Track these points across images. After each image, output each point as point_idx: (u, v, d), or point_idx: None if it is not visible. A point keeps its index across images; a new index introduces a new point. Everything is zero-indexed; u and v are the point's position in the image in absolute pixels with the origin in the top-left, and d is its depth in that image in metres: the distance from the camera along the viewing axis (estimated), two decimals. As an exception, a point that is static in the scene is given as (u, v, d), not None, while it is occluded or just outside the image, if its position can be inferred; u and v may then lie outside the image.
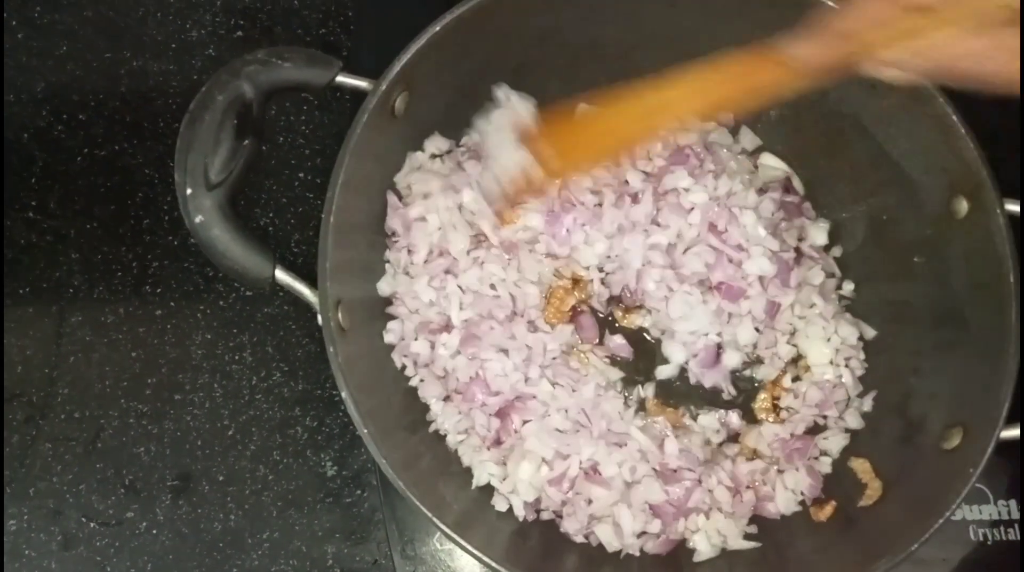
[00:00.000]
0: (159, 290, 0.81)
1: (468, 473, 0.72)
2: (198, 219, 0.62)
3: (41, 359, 0.79)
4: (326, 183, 0.83)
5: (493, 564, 0.61)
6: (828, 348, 0.76)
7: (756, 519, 0.73)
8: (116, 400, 0.79)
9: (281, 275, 0.63)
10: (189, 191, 0.62)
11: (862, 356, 0.77)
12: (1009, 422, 0.62)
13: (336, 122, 0.85)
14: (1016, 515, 0.74)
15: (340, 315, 0.63)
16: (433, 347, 0.72)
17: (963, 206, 0.68)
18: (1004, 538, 0.74)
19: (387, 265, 0.75)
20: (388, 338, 0.73)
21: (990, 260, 0.66)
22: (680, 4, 0.72)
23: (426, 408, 0.73)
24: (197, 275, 0.82)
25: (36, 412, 0.78)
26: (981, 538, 0.74)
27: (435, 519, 0.60)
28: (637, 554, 0.70)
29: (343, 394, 0.61)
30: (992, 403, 0.63)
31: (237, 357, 0.80)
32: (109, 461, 0.77)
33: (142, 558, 0.75)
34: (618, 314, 0.78)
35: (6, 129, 0.85)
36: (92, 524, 0.76)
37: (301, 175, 0.84)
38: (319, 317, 0.62)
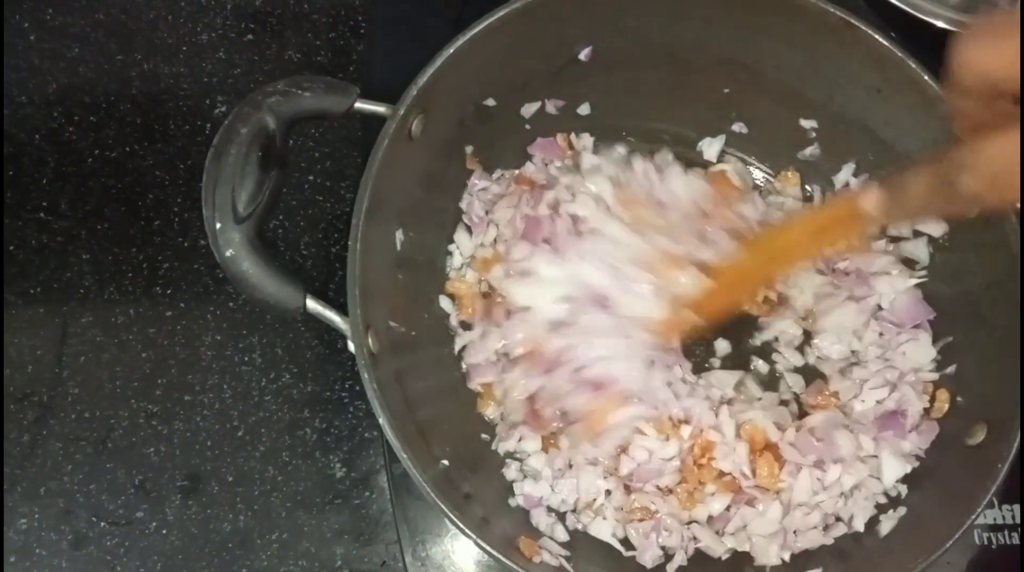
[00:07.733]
0: (169, 291, 0.82)
1: (503, 486, 0.72)
2: (228, 253, 0.61)
3: (51, 359, 0.80)
4: (335, 186, 0.85)
5: None
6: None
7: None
8: (126, 400, 0.79)
9: (312, 305, 0.63)
10: (218, 226, 0.61)
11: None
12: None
13: (345, 125, 0.86)
14: (1019, 519, 0.75)
15: (370, 340, 0.63)
16: None
17: None
18: (1007, 542, 0.75)
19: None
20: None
21: (1004, 258, 0.67)
22: (683, 19, 0.73)
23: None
24: (207, 276, 0.82)
25: (46, 412, 0.79)
26: (984, 542, 0.75)
27: (479, 540, 0.60)
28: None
29: (380, 420, 0.60)
30: (1013, 398, 0.63)
31: (247, 358, 0.80)
32: (119, 461, 0.78)
33: (152, 558, 0.75)
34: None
35: (18, 131, 0.86)
36: (102, 524, 0.76)
37: (311, 178, 0.85)
38: (350, 345, 0.61)
